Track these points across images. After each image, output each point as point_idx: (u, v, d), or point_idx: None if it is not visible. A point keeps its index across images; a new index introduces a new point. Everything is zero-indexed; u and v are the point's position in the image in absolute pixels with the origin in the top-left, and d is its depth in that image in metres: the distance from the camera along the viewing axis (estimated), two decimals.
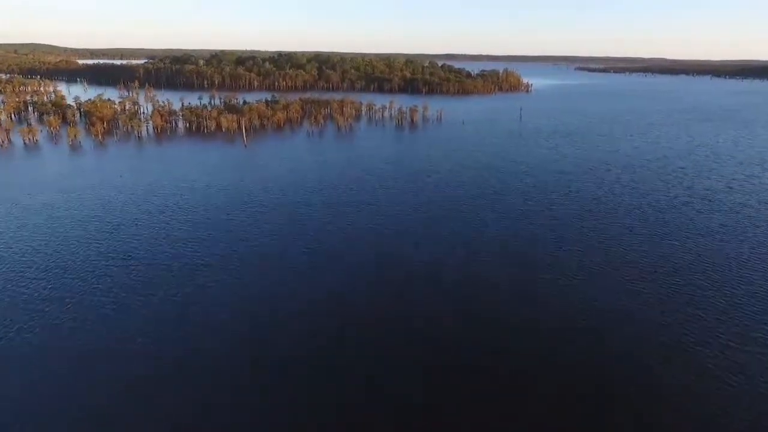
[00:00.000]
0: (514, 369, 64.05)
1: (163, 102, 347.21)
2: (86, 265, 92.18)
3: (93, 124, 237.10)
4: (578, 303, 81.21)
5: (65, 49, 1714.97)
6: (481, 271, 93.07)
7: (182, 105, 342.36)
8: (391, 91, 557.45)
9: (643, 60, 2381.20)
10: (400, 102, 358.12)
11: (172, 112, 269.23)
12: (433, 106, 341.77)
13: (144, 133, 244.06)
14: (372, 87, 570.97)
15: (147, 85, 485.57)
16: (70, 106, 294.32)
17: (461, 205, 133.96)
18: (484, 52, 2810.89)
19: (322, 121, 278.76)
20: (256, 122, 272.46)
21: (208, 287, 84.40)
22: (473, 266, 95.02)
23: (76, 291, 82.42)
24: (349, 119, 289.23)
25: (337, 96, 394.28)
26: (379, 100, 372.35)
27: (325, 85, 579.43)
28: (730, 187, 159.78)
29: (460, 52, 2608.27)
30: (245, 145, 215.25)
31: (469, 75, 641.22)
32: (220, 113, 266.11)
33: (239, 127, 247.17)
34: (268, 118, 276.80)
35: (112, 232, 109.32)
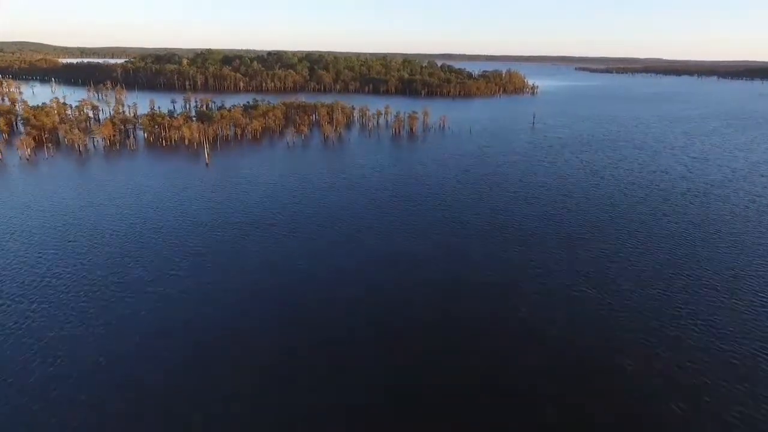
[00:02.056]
0: None
1: (129, 105, 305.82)
2: None
3: (27, 135, 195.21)
4: None
5: (55, 48, 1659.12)
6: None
7: (151, 109, 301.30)
8: (387, 92, 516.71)
9: (638, 60, 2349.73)
10: (398, 106, 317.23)
11: (127, 120, 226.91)
12: (434, 111, 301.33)
13: (91, 146, 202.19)
14: (367, 88, 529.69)
15: (119, 86, 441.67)
16: (11, 111, 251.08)
17: (491, 264, 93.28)
18: (481, 52, 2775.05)
19: (306, 130, 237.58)
20: (228, 132, 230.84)
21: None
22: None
23: None
24: (338, 127, 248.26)
25: (327, 99, 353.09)
26: (374, 103, 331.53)
27: (317, 87, 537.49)
28: None
29: (456, 52, 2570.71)
30: (207, 164, 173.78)
31: (470, 76, 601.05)
32: (186, 121, 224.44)
33: (204, 140, 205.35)
34: (242, 127, 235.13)
35: None
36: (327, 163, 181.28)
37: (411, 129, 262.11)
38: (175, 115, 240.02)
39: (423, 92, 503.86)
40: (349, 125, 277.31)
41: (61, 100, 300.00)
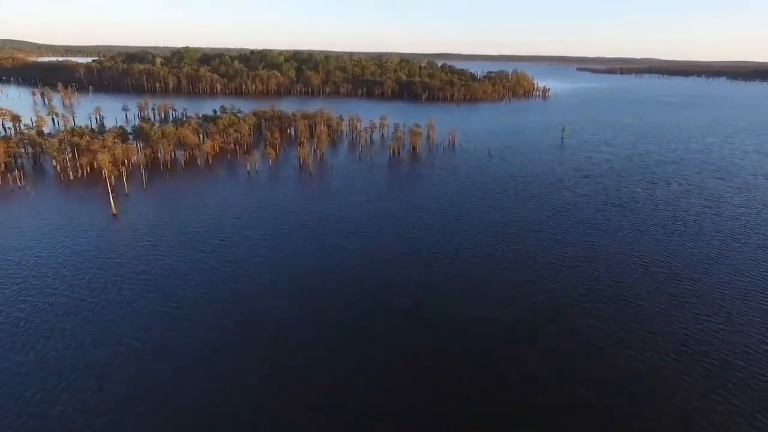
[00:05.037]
0: None
1: (66, 115, 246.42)
2: None
3: None
4: None
5: (40, 46, 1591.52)
6: None
7: (99, 120, 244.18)
8: (383, 96, 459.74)
9: (636, 60, 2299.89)
10: (395, 114, 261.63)
11: (34, 142, 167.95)
12: (438, 120, 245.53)
13: None
14: (360, 92, 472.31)
15: (70, 89, 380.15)
16: None
17: None
18: (478, 52, 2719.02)
19: (275, 154, 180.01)
20: (170, 156, 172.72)
21: None
22: None
23: None
24: (320, 147, 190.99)
25: (315, 105, 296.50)
26: (368, 111, 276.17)
27: (304, 89, 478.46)
28: None
29: (453, 52, 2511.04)
30: (115, 214, 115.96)
31: (473, 77, 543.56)
32: (115, 140, 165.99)
33: (121, 173, 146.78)
34: (191, 149, 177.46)
35: None
36: (295, 210, 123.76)
37: (413, 148, 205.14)
38: (104, 133, 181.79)
39: (423, 96, 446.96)
40: (335, 142, 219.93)
41: None
